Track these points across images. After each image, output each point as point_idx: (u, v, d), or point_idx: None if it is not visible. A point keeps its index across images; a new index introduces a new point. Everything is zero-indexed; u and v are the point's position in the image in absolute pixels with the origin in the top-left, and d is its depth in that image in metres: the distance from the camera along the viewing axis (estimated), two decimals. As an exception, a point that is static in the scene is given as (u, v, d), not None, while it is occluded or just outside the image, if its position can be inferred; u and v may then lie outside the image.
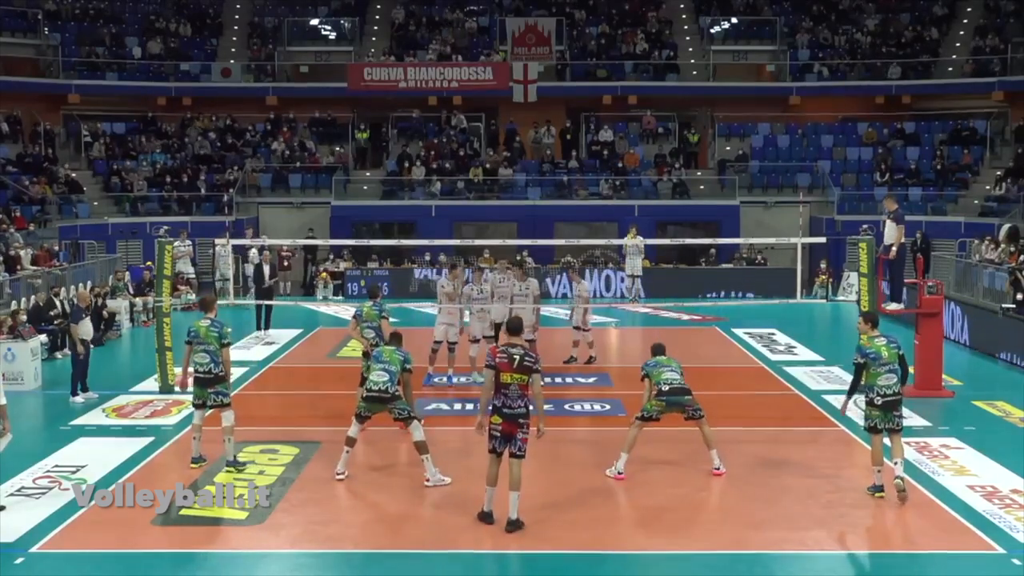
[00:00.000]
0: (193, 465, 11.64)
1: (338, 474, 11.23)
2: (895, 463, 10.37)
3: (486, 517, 9.83)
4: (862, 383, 10.54)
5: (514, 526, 9.64)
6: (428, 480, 10.98)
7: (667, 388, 11.22)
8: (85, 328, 15.60)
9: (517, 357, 9.58)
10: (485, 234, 30.38)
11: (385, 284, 27.81)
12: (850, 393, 10.90)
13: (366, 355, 12.97)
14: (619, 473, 11.26)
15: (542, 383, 9.93)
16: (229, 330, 11.74)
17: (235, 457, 11.56)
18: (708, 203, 32.29)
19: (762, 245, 28.52)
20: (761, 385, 16.53)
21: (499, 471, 9.70)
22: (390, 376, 11.09)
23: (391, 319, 13.67)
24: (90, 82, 34.15)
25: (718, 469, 11.40)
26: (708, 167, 34.55)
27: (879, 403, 10.39)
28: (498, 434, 9.62)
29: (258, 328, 21.49)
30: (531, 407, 9.64)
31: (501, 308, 15.92)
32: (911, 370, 15.91)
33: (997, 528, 9.74)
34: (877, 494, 10.56)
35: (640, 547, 9.48)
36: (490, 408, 9.69)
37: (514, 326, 10.08)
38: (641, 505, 10.58)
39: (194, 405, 11.75)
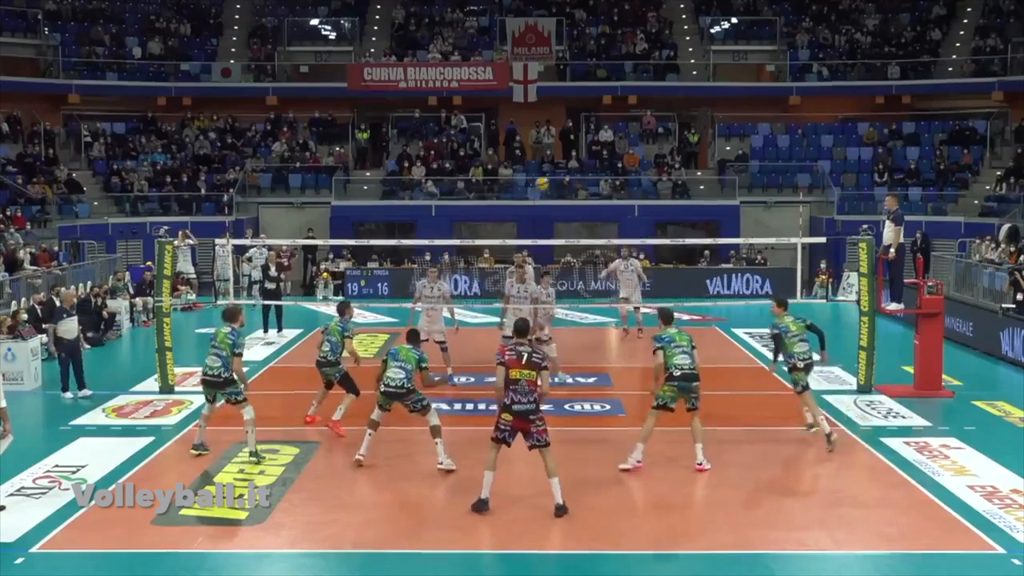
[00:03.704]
0: (193, 451, 11.90)
1: (359, 455, 11.55)
2: (821, 421, 12.50)
3: (481, 504, 9.97)
4: (784, 352, 12.66)
5: (561, 510, 9.92)
6: (441, 463, 11.38)
7: (679, 373, 11.30)
8: (66, 328, 15.60)
9: (525, 354, 9.96)
10: (485, 234, 30.40)
11: (385, 284, 27.87)
12: (774, 358, 13.06)
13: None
14: (637, 462, 11.33)
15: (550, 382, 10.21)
16: (243, 341, 12.10)
17: (256, 450, 11.80)
18: (708, 203, 32.32)
19: (762, 245, 28.53)
20: (761, 385, 16.48)
21: (498, 457, 10.03)
22: (406, 373, 11.49)
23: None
24: (90, 82, 34.18)
25: (700, 464, 11.43)
26: (708, 167, 34.56)
27: (801, 366, 12.52)
28: (507, 428, 9.93)
29: (264, 330, 21.44)
30: (539, 403, 9.96)
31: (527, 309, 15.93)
32: (910, 369, 16.02)
33: (997, 528, 9.73)
34: (812, 429, 12.73)
35: (640, 547, 9.47)
36: (499, 405, 10.05)
37: (521, 327, 10.37)
38: (641, 505, 10.58)
39: (207, 400, 12.11)
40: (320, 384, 13.65)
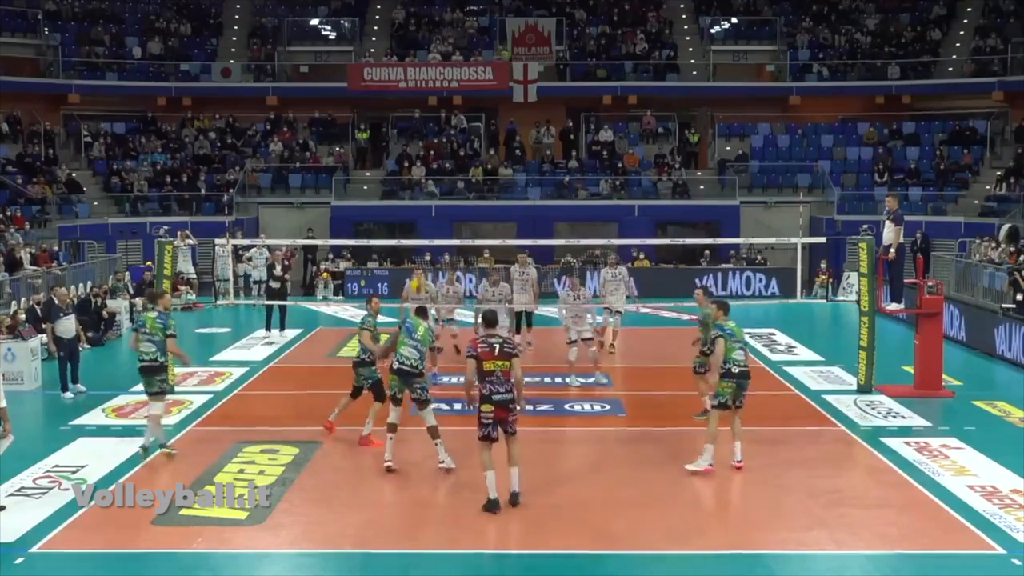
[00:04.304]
0: (165, 450, 12.03)
1: (387, 462, 11.43)
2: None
3: (492, 505, 9.98)
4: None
5: (516, 499, 10.04)
6: (442, 463, 11.34)
7: (737, 371, 11.36)
8: (63, 327, 15.66)
9: (497, 345, 10.06)
10: (485, 234, 30.38)
11: (385, 284, 27.82)
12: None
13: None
14: (710, 465, 11.25)
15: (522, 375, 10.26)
16: (174, 323, 12.25)
17: (147, 446, 11.94)
18: (708, 203, 32.32)
19: (762, 245, 28.52)
20: (761, 385, 16.40)
21: (493, 456, 10.01)
22: (420, 355, 11.47)
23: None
24: (90, 82, 34.17)
25: (739, 462, 11.47)
26: (708, 167, 34.56)
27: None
28: (490, 421, 9.99)
29: (267, 329, 21.41)
30: (513, 392, 10.05)
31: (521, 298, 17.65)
32: (910, 369, 16.01)
33: (997, 528, 9.73)
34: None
35: (640, 547, 9.46)
36: (478, 399, 10.08)
37: (489, 318, 10.49)
38: (641, 505, 10.56)
39: (148, 395, 12.23)
40: (348, 388, 13.06)
